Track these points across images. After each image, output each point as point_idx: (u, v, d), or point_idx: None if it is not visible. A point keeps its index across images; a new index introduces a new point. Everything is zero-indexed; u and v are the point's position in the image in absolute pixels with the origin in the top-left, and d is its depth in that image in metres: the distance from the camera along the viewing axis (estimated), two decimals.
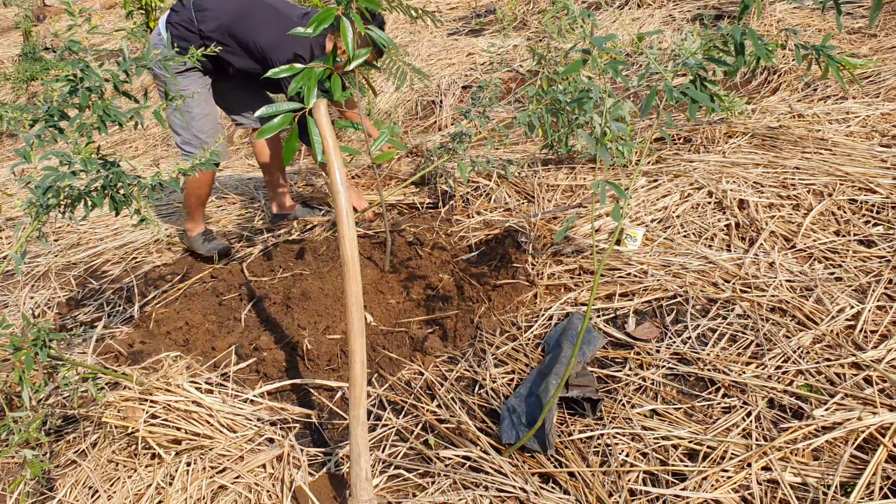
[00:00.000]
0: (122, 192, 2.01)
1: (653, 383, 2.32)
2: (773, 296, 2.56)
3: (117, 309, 3.21)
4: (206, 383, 2.55)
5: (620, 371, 2.39)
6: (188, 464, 2.23)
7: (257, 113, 2.15)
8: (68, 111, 1.98)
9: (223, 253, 3.52)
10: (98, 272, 3.57)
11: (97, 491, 2.20)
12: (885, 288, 2.53)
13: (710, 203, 3.17)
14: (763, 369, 2.28)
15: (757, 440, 2.04)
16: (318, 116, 1.92)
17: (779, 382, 2.22)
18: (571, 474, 2.04)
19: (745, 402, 2.17)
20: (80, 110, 1.97)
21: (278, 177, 3.76)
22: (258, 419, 2.41)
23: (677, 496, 1.92)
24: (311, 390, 2.56)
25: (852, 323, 2.41)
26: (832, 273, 2.67)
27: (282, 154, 3.22)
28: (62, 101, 1.95)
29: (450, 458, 2.17)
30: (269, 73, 2.16)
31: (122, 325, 3.04)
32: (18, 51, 8.73)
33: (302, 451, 2.27)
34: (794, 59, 4.37)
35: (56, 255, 3.79)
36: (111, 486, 2.22)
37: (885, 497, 1.82)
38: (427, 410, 2.37)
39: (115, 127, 3.10)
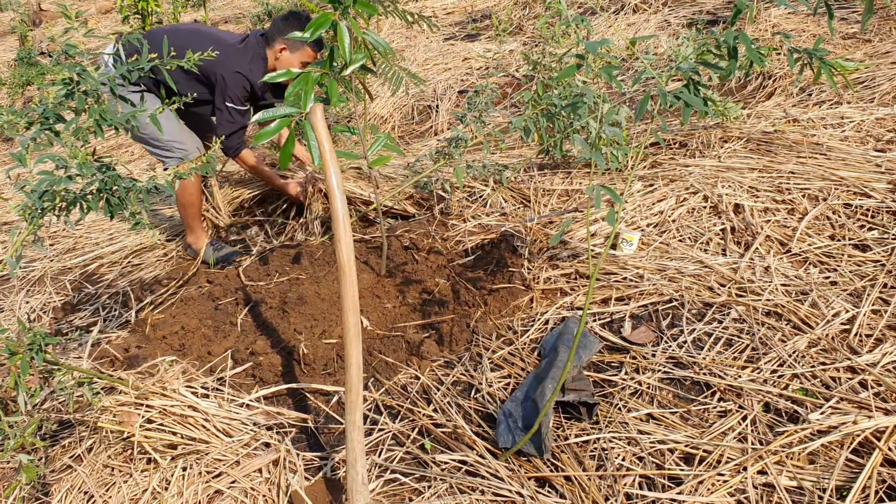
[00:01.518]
0: (117, 195, 2.01)
1: (649, 387, 2.32)
2: (768, 300, 2.57)
3: (113, 314, 3.20)
4: (202, 388, 2.54)
5: (616, 375, 2.39)
6: (184, 468, 2.23)
7: (255, 118, 2.14)
8: (64, 114, 1.98)
9: (234, 258, 3.50)
10: (94, 277, 3.57)
11: (93, 496, 2.20)
12: (881, 292, 2.54)
13: (705, 207, 3.18)
14: (759, 373, 2.28)
15: (753, 444, 2.04)
16: (315, 121, 1.93)
17: (774, 386, 2.22)
18: (568, 478, 2.04)
19: (740, 406, 2.18)
20: (77, 114, 1.97)
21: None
22: (254, 424, 2.41)
23: (673, 500, 1.92)
24: (308, 395, 2.56)
25: (847, 327, 2.42)
26: (827, 277, 2.68)
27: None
28: (58, 104, 1.95)
29: (446, 463, 2.17)
30: (266, 77, 2.17)
31: (117, 330, 3.03)
32: (14, 55, 8.72)
33: (298, 455, 2.26)
34: (788, 64, 4.40)
35: (52, 260, 3.78)
36: (107, 491, 2.22)
37: (881, 501, 1.83)
38: (423, 415, 2.37)
39: (111, 131, 3.11)
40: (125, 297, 3.29)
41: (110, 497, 2.19)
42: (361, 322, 2.76)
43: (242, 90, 3.26)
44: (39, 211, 1.92)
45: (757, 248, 2.87)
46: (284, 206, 3.92)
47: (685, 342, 2.47)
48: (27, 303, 3.43)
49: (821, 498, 1.86)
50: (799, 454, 1.99)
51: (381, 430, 2.34)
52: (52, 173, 1.90)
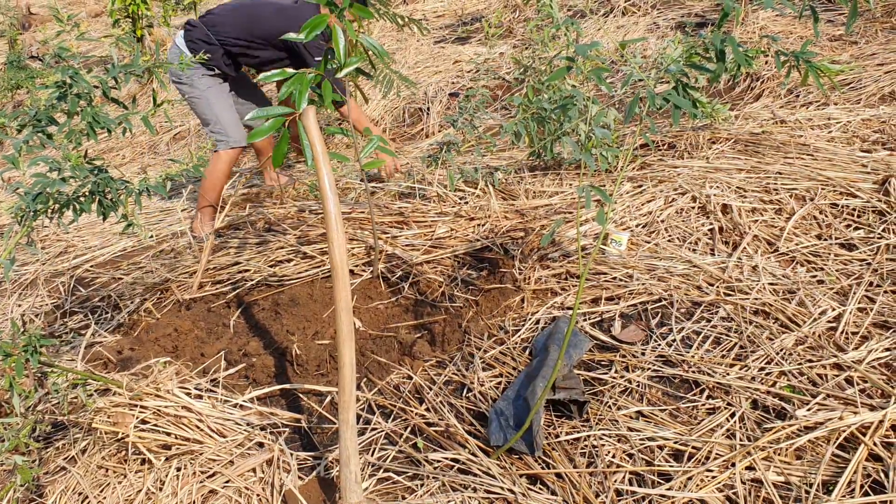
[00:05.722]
0: (109, 197, 2.02)
1: (638, 385, 2.34)
2: (756, 298, 2.60)
3: (105, 316, 3.20)
4: (196, 389, 2.55)
5: (606, 374, 2.42)
6: (178, 469, 2.24)
7: (247, 117, 2.16)
8: (56, 117, 1.99)
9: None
10: (86, 280, 3.57)
11: (87, 497, 2.20)
12: (866, 290, 2.58)
13: (693, 208, 3.21)
14: (747, 371, 2.31)
15: (741, 440, 2.07)
16: (307, 123, 1.94)
17: (762, 383, 2.25)
18: (559, 475, 2.07)
19: (729, 403, 2.20)
20: (69, 116, 1.98)
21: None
22: (248, 424, 2.42)
23: (663, 496, 1.94)
24: (301, 395, 2.57)
25: (834, 325, 2.45)
26: (814, 276, 2.72)
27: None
28: (50, 107, 1.96)
29: (438, 461, 2.18)
30: (261, 77, 2.19)
31: (110, 333, 3.04)
32: (3, 59, 8.69)
33: (292, 455, 2.28)
34: (776, 66, 4.44)
35: (44, 264, 3.78)
36: (101, 492, 2.22)
37: (866, 494, 1.86)
38: (416, 414, 2.38)
39: (103, 133, 3.11)
40: (117, 300, 3.29)
41: (105, 498, 2.20)
42: (354, 322, 2.78)
43: (322, 46, 3.53)
44: (32, 213, 1.93)
45: (745, 248, 2.90)
46: None
47: (674, 341, 2.50)
48: (19, 306, 3.42)
49: (808, 492, 1.89)
50: (786, 450, 2.02)
51: (373, 429, 2.36)
52: (46, 176, 1.92)
